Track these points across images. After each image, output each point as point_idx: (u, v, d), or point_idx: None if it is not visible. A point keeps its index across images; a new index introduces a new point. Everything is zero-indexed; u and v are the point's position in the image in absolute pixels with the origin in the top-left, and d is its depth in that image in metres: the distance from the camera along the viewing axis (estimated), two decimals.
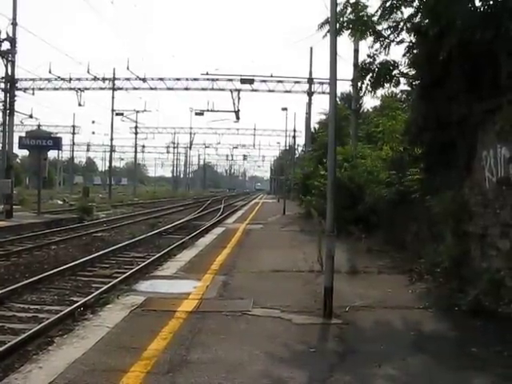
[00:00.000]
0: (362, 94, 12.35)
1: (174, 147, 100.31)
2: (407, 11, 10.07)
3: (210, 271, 11.32)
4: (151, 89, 47.16)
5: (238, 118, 47.69)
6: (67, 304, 9.59)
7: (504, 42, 8.17)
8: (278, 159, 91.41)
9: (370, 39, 10.57)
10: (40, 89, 45.12)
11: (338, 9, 9.41)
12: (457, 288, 8.76)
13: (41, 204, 29.15)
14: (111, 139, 59.54)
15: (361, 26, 10.42)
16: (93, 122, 76.16)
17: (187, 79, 46.07)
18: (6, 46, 25.76)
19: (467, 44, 8.65)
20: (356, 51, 19.73)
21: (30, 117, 54.68)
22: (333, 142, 7.99)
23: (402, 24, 10.22)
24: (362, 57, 11.55)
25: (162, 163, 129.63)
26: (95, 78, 45.96)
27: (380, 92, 13.15)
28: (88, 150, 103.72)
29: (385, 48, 10.55)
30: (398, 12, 10.05)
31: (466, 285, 8.51)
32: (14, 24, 25.81)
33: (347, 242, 14.36)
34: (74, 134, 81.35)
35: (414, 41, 10.51)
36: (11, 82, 27.47)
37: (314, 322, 7.43)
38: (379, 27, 10.42)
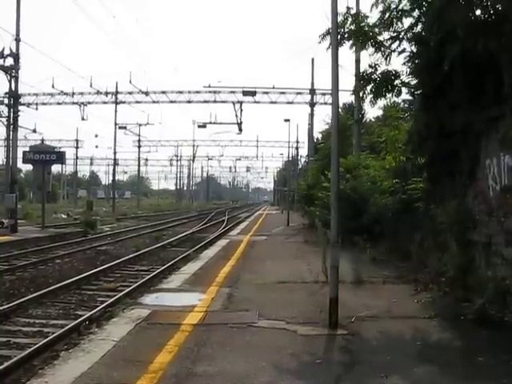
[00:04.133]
0: (363, 104, 12.35)
1: (177, 160, 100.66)
2: (407, 21, 10.12)
3: (215, 283, 11.31)
4: (154, 102, 47.32)
5: (240, 129, 47.80)
6: (72, 318, 9.58)
7: (506, 51, 8.18)
8: (281, 170, 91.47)
9: (371, 49, 10.60)
10: (43, 103, 45.27)
11: (339, 19, 9.44)
12: (462, 297, 8.74)
13: (45, 218, 29.22)
14: (114, 153, 59.86)
15: (362, 37, 10.44)
16: (96, 135, 76.34)
17: (189, 92, 46.23)
18: (9, 61, 25.92)
19: (469, 53, 8.67)
20: (357, 61, 19.79)
21: (34, 131, 54.99)
22: (336, 153, 7.99)
23: (402, 34, 10.25)
24: (364, 67, 11.57)
25: (165, 176, 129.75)
26: (98, 92, 46.15)
27: (382, 102, 13.13)
28: (91, 164, 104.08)
29: (386, 58, 10.57)
30: (399, 22, 10.09)
31: (472, 294, 8.49)
32: (18, 40, 25.99)
33: (352, 253, 14.34)
34: (77, 147, 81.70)
35: (414, 50, 10.54)
36: (15, 97, 27.64)
37: (320, 333, 7.41)
38: (380, 37, 10.45)
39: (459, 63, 8.91)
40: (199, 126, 55.53)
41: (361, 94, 11.49)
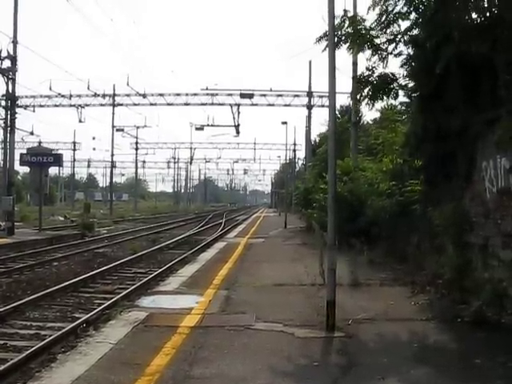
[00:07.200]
0: (360, 107, 12.37)
1: (174, 162, 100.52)
2: (404, 24, 10.15)
3: (212, 286, 11.31)
4: (151, 104, 47.35)
5: (238, 132, 47.86)
6: (69, 320, 9.56)
7: (501, 53, 8.21)
8: (279, 173, 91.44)
9: (368, 52, 10.63)
10: (41, 106, 45.37)
11: (336, 22, 9.46)
12: (459, 299, 8.75)
13: (42, 220, 29.19)
14: (112, 155, 59.87)
15: (359, 40, 10.46)
16: (93, 138, 77.08)
17: (187, 94, 46.29)
18: (6, 63, 25.91)
19: (465, 55, 8.70)
20: (354, 64, 19.74)
21: (31, 134, 54.85)
22: (333, 155, 8.00)
23: (399, 37, 10.28)
24: (361, 69, 11.59)
25: (162, 178, 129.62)
26: (95, 95, 46.16)
27: (379, 104, 13.14)
28: (89, 166, 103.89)
29: (383, 60, 10.60)
30: (395, 25, 10.12)
31: (469, 296, 8.49)
32: (15, 42, 25.98)
33: (349, 255, 14.28)
34: (74, 150, 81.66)
35: (411, 53, 10.56)
36: (12, 99, 27.57)
37: (317, 335, 7.41)
38: (377, 40, 10.48)
39: (455, 66, 8.94)
40: (197, 129, 55.62)
41: (358, 97, 11.51)
